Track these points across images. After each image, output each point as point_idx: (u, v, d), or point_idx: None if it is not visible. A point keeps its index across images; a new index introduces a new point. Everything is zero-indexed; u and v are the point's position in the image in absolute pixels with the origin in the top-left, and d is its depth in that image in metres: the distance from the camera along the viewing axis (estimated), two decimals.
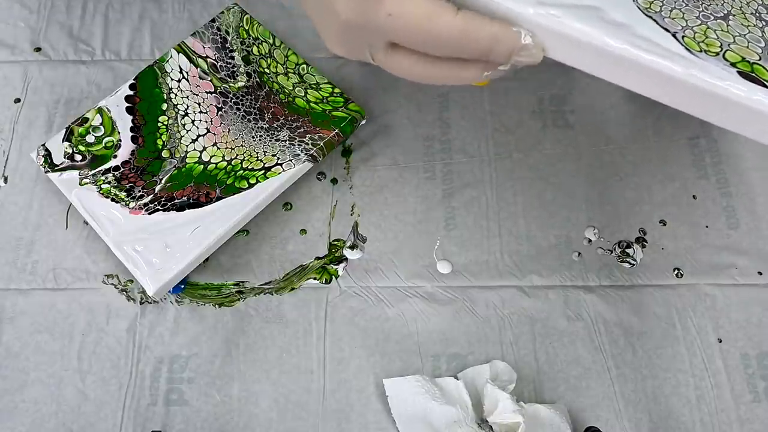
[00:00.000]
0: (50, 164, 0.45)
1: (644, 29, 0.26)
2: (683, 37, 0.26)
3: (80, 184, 0.44)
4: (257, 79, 0.48)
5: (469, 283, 0.45)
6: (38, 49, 0.53)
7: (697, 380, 0.42)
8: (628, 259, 0.45)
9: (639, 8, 0.27)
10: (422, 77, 0.28)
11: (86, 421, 0.41)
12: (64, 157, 0.45)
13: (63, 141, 0.45)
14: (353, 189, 0.48)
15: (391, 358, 0.42)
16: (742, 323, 0.43)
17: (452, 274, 0.45)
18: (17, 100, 0.51)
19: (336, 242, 0.46)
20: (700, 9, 0.28)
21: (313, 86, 0.47)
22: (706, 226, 0.47)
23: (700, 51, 0.26)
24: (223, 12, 0.50)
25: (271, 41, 0.49)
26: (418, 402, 0.39)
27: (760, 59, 0.26)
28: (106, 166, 0.45)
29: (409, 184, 0.48)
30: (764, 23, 0.28)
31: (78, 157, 0.45)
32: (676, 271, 0.45)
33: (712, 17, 0.28)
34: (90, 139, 0.45)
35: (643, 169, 0.48)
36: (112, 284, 0.44)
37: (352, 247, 0.46)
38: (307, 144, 0.45)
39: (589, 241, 0.46)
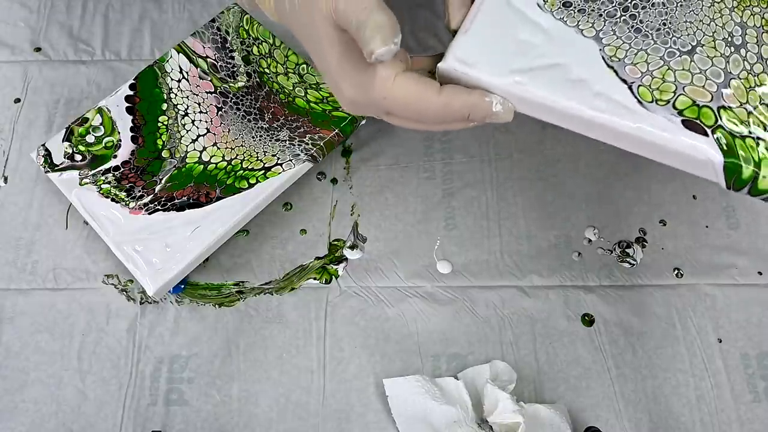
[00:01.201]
0: (50, 164, 0.45)
1: (602, 84, 0.29)
2: (639, 86, 0.29)
3: (80, 184, 0.44)
4: (257, 79, 0.48)
5: (469, 283, 0.45)
6: (38, 49, 0.53)
7: (697, 380, 0.42)
8: (628, 259, 0.45)
9: (603, 58, 0.30)
10: (419, 130, 0.34)
11: (86, 421, 0.41)
12: (64, 157, 0.45)
13: (63, 141, 0.45)
14: (353, 189, 0.48)
15: (391, 358, 0.42)
16: (742, 323, 0.43)
17: (452, 274, 0.45)
18: (17, 100, 0.51)
19: (336, 242, 0.46)
20: (668, 45, 0.30)
21: (313, 86, 0.47)
22: (706, 226, 0.47)
23: (651, 101, 0.28)
24: (223, 12, 0.50)
25: (271, 41, 0.49)
26: (418, 402, 0.39)
27: (711, 99, 0.28)
28: (106, 166, 0.45)
29: (409, 184, 0.48)
30: (732, 50, 0.30)
31: (78, 157, 0.45)
32: (676, 271, 0.45)
33: (678, 53, 0.29)
34: (90, 139, 0.45)
35: (643, 169, 0.48)
36: (112, 284, 0.44)
37: (352, 247, 0.46)
38: (307, 144, 0.45)
39: (589, 241, 0.46)
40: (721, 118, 0.28)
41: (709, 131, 0.27)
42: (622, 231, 0.46)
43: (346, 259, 0.45)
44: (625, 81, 0.29)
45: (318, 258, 0.45)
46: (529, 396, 0.41)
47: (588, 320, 0.44)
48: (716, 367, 0.42)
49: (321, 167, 0.48)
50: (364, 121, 0.47)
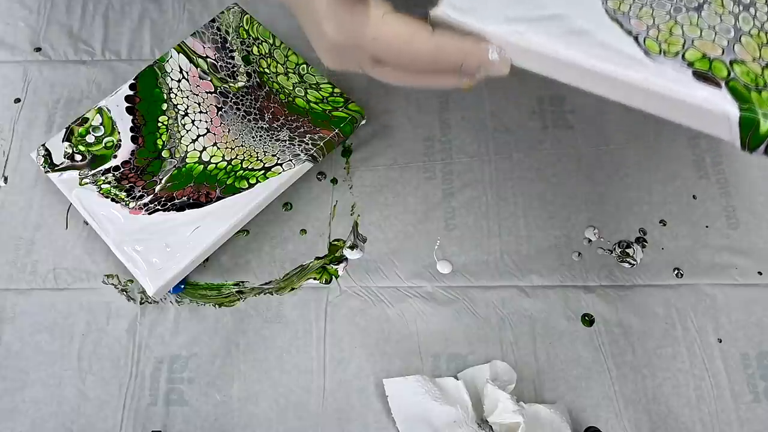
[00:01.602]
0: (50, 164, 0.45)
1: (606, 34, 0.27)
2: (645, 39, 0.27)
3: (80, 184, 0.44)
4: (257, 79, 0.48)
5: (469, 283, 0.45)
6: (38, 49, 0.53)
7: (697, 380, 0.42)
8: (628, 259, 0.45)
9: (606, 11, 0.28)
10: (407, 84, 0.31)
11: (86, 421, 0.41)
12: (64, 157, 0.45)
13: (63, 141, 0.45)
14: (353, 189, 0.48)
15: (391, 358, 0.42)
16: (742, 323, 0.43)
17: (452, 274, 0.45)
18: (17, 100, 0.51)
19: (336, 242, 0.46)
20: (674, 1, 0.29)
21: (313, 86, 0.47)
22: (706, 226, 0.47)
23: (659, 53, 0.27)
24: (223, 12, 0.50)
25: (271, 41, 0.49)
26: (418, 402, 0.39)
27: (722, 53, 0.27)
28: (106, 166, 0.45)
29: (409, 184, 0.48)
30: (741, 8, 0.29)
31: (78, 157, 0.45)
32: (676, 271, 0.45)
33: (684, 9, 0.28)
34: (90, 139, 0.45)
35: (643, 169, 0.48)
36: (112, 284, 0.44)
37: (352, 247, 0.46)
38: (307, 144, 0.45)
39: (589, 241, 0.46)
40: (734, 71, 0.26)
41: (722, 83, 0.26)
42: (622, 231, 0.46)
43: (346, 259, 0.45)
44: (630, 33, 0.27)
45: (318, 258, 0.45)
46: (529, 396, 0.41)
47: (588, 320, 0.44)
48: (716, 367, 0.42)
49: (321, 167, 0.48)
50: (364, 121, 0.47)
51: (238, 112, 0.47)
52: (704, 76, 0.26)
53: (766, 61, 0.27)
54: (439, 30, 0.28)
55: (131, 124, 0.46)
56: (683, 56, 0.27)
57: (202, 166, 0.45)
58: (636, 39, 0.27)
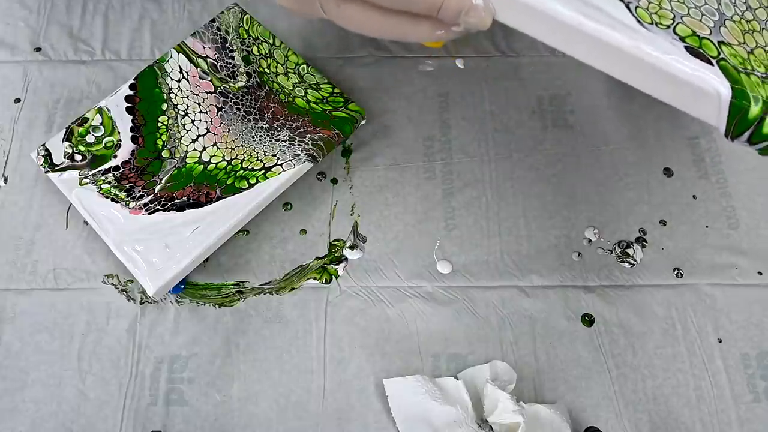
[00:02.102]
0: (50, 164, 0.45)
1: None
2: (636, 7, 0.26)
3: (80, 184, 0.44)
4: (257, 79, 0.48)
5: (469, 283, 0.45)
6: (38, 49, 0.53)
7: (697, 380, 0.42)
8: (628, 259, 0.45)
9: None
10: (374, 31, 0.28)
11: (86, 421, 0.41)
12: (64, 157, 0.45)
13: (63, 141, 0.45)
14: (353, 189, 0.48)
15: (391, 358, 0.42)
16: (742, 323, 0.43)
17: (452, 274, 0.45)
18: (17, 100, 0.51)
19: (336, 242, 0.46)
20: None
21: (313, 86, 0.47)
22: (706, 226, 0.47)
23: (651, 23, 0.25)
24: (223, 12, 0.50)
25: (271, 41, 0.49)
26: (418, 402, 0.39)
27: (710, 33, 0.26)
28: (106, 166, 0.45)
29: (409, 184, 0.48)
30: None
31: (78, 157, 0.45)
32: (676, 271, 0.45)
33: None
34: (90, 139, 0.45)
35: (643, 169, 0.48)
36: (112, 284, 0.44)
37: (352, 247, 0.46)
38: (307, 144, 0.45)
39: (589, 241, 0.46)
40: (723, 51, 0.25)
41: (714, 62, 0.25)
42: (622, 231, 0.46)
43: (346, 259, 0.45)
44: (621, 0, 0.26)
45: (318, 258, 0.45)
46: (529, 396, 0.41)
47: (588, 320, 0.44)
48: (716, 367, 0.42)
49: (321, 167, 0.48)
50: (364, 121, 0.47)
51: (238, 112, 0.47)
52: (696, 52, 0.25)
53: (750, 47, 0.26)
54: None
55: (131, 124, 0.46)
56: (674, 30, 0.26)
57: (202, 166, 0.45)
58: (628, 7, 0.26)
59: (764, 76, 0.25)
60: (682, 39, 0.25)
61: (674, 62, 0.24)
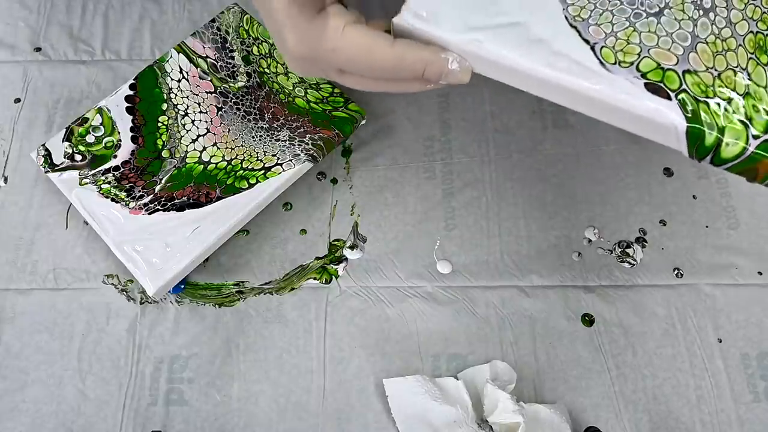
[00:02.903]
0: (50, 164, 0.45)
1: (563, 44, 0.28)
2: (602, 48, 0.28)
3: (80, 184, 0.44)
4: (257, 79, 0.48)
5: (469, 283, 0.45)
6: (38, 49, 0.53)
7: (697, 380, 0.42)
8: (628, 259, 0.45)
9: (566, 18, 0.29)
10: (373, 90, 0.32)
11: (86, 421, 0.41)
12: (64, 157, 0.45)
13: (63, 141, 0.45)
14: (353, 189, 0.48)
15: (391, 358, 0.42)
16: (742, 323, 0.43)
17: (452, 274, 0.45)
18: (17, 100, 0.51)
19: (336, 242, 0.46)
20: (635, 6, 0.29)
21: (313, 86, 0.47)
22: (706, 226, 0.47)
23: (614, 63, 0.27)
24: (223, 12, 0.50)
25: (271, 41, 0.49)
26: (418, 402, 0.39)
27: (677, 62, 0.27)
28: (106, 166, 0.45)
29: (409, 184, 0.48)
30: (701, 13, 0.29)
31: (78, 157, 0.45)
32: (676, 271, 0.45)
33: (645, 14, 0.29)
34: (90, 139, 0.45)
35: (643, 169, 0.48)
36: (112, 284, 0.44)
37: (352, 247, 0.46)
38: (307, 144, 0.45)
39: (589, 241, 0.46)
40: (685, 82, 0.27)
41: (672, 95, 0.26)
42: (622, 231, 0.46)
43: (346, 259, 0.45)
44: (587, 42, 0.28)
45: (318, 258, 0.45)
46: (529, 396, 0.41)
47: (588, 320, 0.44)
48: (716, 367, 0.42)
49: (321, 167, 0.48)
50: (364, 121, 0.47)
51: (238, 112, 0.47)
52: (655, 88, 0.27)
53: (718, 71, 0.27)
54: (400, 40, 0.29)
55: (131, 124, 0.46)
56: (637, 66, 0.27)
57: (202, 166, 0.45)
58: (593, 48, 0.28)
59: (726, 101, 0.27)
60: (644, 75, 0.27)
61: (632, 101, 0.27)
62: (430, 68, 0.29)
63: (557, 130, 0.50)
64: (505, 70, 0.28)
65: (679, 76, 0.27)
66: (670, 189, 0.48)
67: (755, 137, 0.26)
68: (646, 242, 0.46)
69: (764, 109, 0.27)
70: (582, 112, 0.28)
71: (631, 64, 0.27)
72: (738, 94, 0.27)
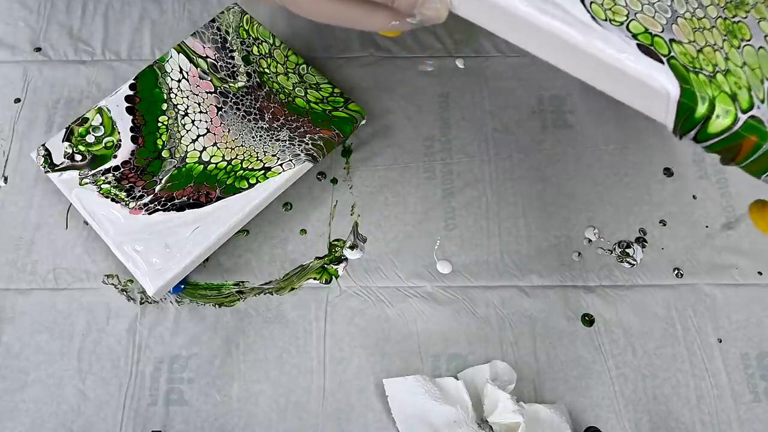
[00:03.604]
0: (50, 164, 0.45)
1: None
2: (591, 3, 0.26)
3: (80, 184, 0.44)
4: (257, 79, 0.48)
5: (469, 283, 0.45)
6: (38, 49, 0.53)
7: (697, 380, 0.42)
8: (628, 259, 0.45)
9: None
10: (327, 17, 0.27)
11: (86, 421, 0.41)
12: (64, 157, 0.45)
13: (63, 141, 0.45)
14: (353, 189, 0.48)
15: (391, 358, 0.42)
16: (742, 323, 0.43)
17: (452, 274, 0.45)
18: (17, 100, 0.51)
19: (336, 242, 0.46)
20: None
21: (313, 86, 0.47)
22: (706, 226, 0.47)
23: (605, 19, 0.25)
24: (223, 12, 0.50)
25: (271, 41, 0.49)
26: (418, 402, 0.39)
27: (662, 31, 0.26)
28: (106, 166, 0.45)
29: (409, 184, 0.48)
30: None
31: (78, 157, 0.45)
32: (676, 271, 0.45)
33: None
34: (90, 139, 0.45)
35: (643, 169, 0.48)
36: (112, 284, 0.44)
37: (352, 247, 0.46)
38: (307, 144, 0.45)
39: (589, 241, 0.46)
40: (673, 50, 0.25)
41: (664, 60, 0.25)
42: (622, 231, 0.46)
43: (346, 259, 0.45)
44: None
45: (318, 258, 0.45)
46: (529, 396, 0.41)
47: (588, 320, 0.44)
48: (716, 367, 0.42)
49: (321, 167, 0.48)
50: (364, 121, 0.47)
51: (238, 112, 0.47)
52: (648, 50, 0.25)
53: (699, 45, 0.26)
54: None
55: (131, 124, 0.46)
56: (627, 27, 0.26)
57: (202, 166, 0.45)
58: (583, 2, 0.26)
59: (711, 75, 0.25)
60: (635, 36, 0.25)
61: (626, 60, 0.25)
62: None
63: (557, 130, 0.50)
64: (492, 9, 0.26)
65: (666, 43, 0.26)
66: (670, 189, 0.48)
67: (743, 111, 0.25)
68: (646, 242, 0.46)
69: (746, 88, 0.26)
70: (567, 69, 0.26)
71: (621, 23, 0.26)
72: (721, 69, 0.26)
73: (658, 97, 0.25)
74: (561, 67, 0.26)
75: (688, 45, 0.26)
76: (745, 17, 0.29)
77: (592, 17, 0.25)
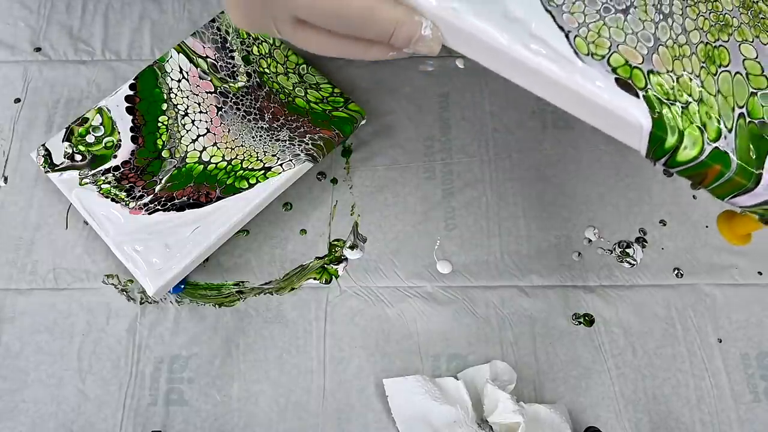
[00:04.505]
0: (50, 164, 0.45)
1: (540, 26, 0.27)
2: (575, 37, 0.27)
3: (80, 184, 0.44)
4: (257, 79, 0.48)
5: (469, 283, 0.45)
6: (38, 49, 0.53)
7: (697, 380, 0.42)
8: (628, 259, 0.45)
9: (542, 1, 0.28)
10: (328, 52, 0.29)
11: (86, 421, 0.41)
12: (64, 157, 0.45)
13: (63, 141, 0.45)
14: (353, 189, 0.48)
15: (391, 358, 0.42)
16: (742, 323, 0.43)
17: (452, 274, 0.45)
18: (17, 100, 0.51)
19: (336, 242, 0.46)
20: (604, 0, 0.29)
21: (313, 86, 0.47)
22: (706, 226, 0.47)
23: (587, 54, 0.27)
24: (223, 12, 0.50)
25: (271, 41, 0.49)
26: (418, 402, 0.39)
27: (642, 61, 0.27)
28: (106, 166, 0.45)
29: (409, 184, 0.48)
30: (661, 17, 0.29)
31: (78, 157, 0.45)
32: (676, 271, 0.45)
33: (613, 10, 0.28)
34: (90, 139, 0.45)
35: (643, 169, 0.48)
36: (112, 284, 0.44)
37: (352, 247, 0.46)
38: (307, 144, 0.45)
39: (589, 241, 0.46)
40: (650, 82, 0.27)
41: (640, 93, 0.26)
42: (622, 231, 0.46)
43: (346, 259, 0.45)
44: (562, 28, 0.27)
45: (318, 258, 0.45)
46: (529, 396, 0.41)
47: (588, 320, 0.44)
48: (716, 367, 0.42)
49: (321, 167, 0.48)
50: (364, 121, 0.47)
51: (238, 112, 0.47)
52: (626, 84, 0.27)
53: (677, 75, 0.28)
54: None
55: (131, 124, 0.46)
56: (608, 60, 0.27)
57: (202, 166, 0.45)
58: (567, 36, 0.27)
59: (684, 105, 0.27)
60: (614, 70, 0.27)
61: (604, 95, 0.26)
62: (401, 30, 0.26)
63: (557, 130, 0.50)
64: (480, 45, 0.27)
65: (644, 75, 0.27)
66: (670, 189, 0.48)
67: (709, 143, 0.27)
68: (646, 242, 0.46)
69: (716, 117, 0.27)
70: (548, 99, 0.28)
71: (603, 57, 0.27)
72: (694, 99, 0.27)
73: (632, 128, 0.27)
74: (543, 97, 0.28)
75: (666, 75, 0.27)
76: (727, 41, 0.30)
77: (575, 52, 0.27)
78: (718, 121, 0.27)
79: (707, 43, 0.29)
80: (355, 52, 0.28)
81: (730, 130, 0.27)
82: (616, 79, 0.27)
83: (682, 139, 0.26)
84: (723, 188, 0.29)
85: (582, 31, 0.28)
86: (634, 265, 0.45)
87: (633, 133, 0.27)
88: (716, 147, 0.27)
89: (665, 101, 0.27)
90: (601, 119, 0.27)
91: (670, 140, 0.26)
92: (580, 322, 0.43)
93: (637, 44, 0.28)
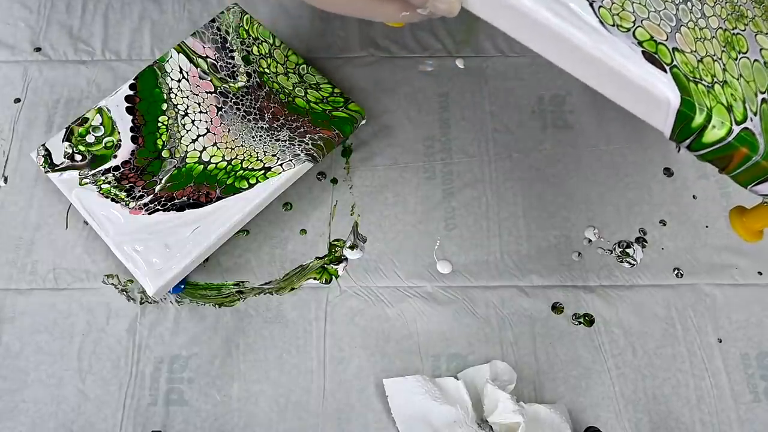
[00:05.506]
0: (50, 164, 0.45)
1: None
2: (600, 7, 0.26)
3: (80, 184, 0.44)
4: (257, 79, 0.48)
5: (469, 283, 0.45)
6: (38, 49, 0.53)
7: (697, 380, 0.42)
8: (628, 259, 0.45)
9: None
10: (344, 8, 0.28)
11: (86, 421, 0.41)
12: (64, 157, 0.45)
13: (63, 141, 0.45)
14: (353, 189, 0.48)
15: (391, 358, 0.42)
16: (742, 323, 0.43)
17: (452, 274, 0.45)
18: (17, 100, 0.51)
19: (336, 242, 0.46)
20: None
21: (313, 86, 0.47)
22: (706, 226, 0.47)
23: (613, 25, 0.26)
24: (223, 12, 0.50)
25: (271, 41, 0.49)
26: (418, 402, 0.39)
27: (666, 39, 0.26)
28: (106, 166, 0.45)
29: (409, 184, 0.48)
30: (681, 0, 0.28)
31: (78, 157, 0.45)
32: (676, 271, 0.45)
33: None
34: (90, 139, 0.45)
35: (644, 169, 0.48)
36: (112, 284, 0.44)
37: (352, 247, 0.46)
38: (307, 144, 0.45)
39: (589, 241, 0.46)
40: (676, 59, 0.26)
41: (667, 69, 0.25)
42: (622, 231, 0.46)
43: (346, 259, 0.45)
44: None
45: (318, 258, 0.45)
46: (529, 396, 0.41)
47: (588, 320, 0.44)
48: (716, 367, 0.42)
49: (321, 167, 0.48)
50: (364, 121, 0.47)
51: (238, 112, 0.47)
52: (652, 58, 0.25)
53: (700, 55, 0.27)
54: None
55: (131, 124, 0.46)
56: (634, 33, 0.26)
57: (202, 166, 0.45)
58: (591, 5, 0.26)
59: (710, 85, 0.26)
60: (641, 43, 0.26)
61: (631, 66, 0.25)
62: None
63: (557, 130, 0.50)
64: (503, 7, 0.26)
65: (669, 52, 0.26)
66: (670, 189, 0.48)
67: (737, 123, 0.25)
68: (646, 242, 0.46)
69: (741, 100, 0.26)
70: (571, 70, 0.26)
71: (628, 30, 0.26)
72: (718, 81, 0.26)
73: (658, 104, 0.25)
74: (564, 68, 0.26)
75: (690, 54, 0.26)
76: (744, 30, 0.29)
77: (600, 22, 0.26)
78: (744, 104, 0.26)
79: (726, 29, 0.29)
80: (367, 9, 0.27)
81: (755, 114, 0.26)
82: (644, 52, 0.25)
83: (710, 118, 0.25)
84: (747, 174, 0.27)
85: (606, 2, 0.26)
86: (634, 265, 0.45)
87: (659, 110, 0.25)
88: (745, 127, 0.25)
89: (691, 79, 0.25)
90: (627, 93, 0.26)
91: (698, 119, 0.25)
92: (580, 322, 0.44)
93: (660, 22, 0.27)
